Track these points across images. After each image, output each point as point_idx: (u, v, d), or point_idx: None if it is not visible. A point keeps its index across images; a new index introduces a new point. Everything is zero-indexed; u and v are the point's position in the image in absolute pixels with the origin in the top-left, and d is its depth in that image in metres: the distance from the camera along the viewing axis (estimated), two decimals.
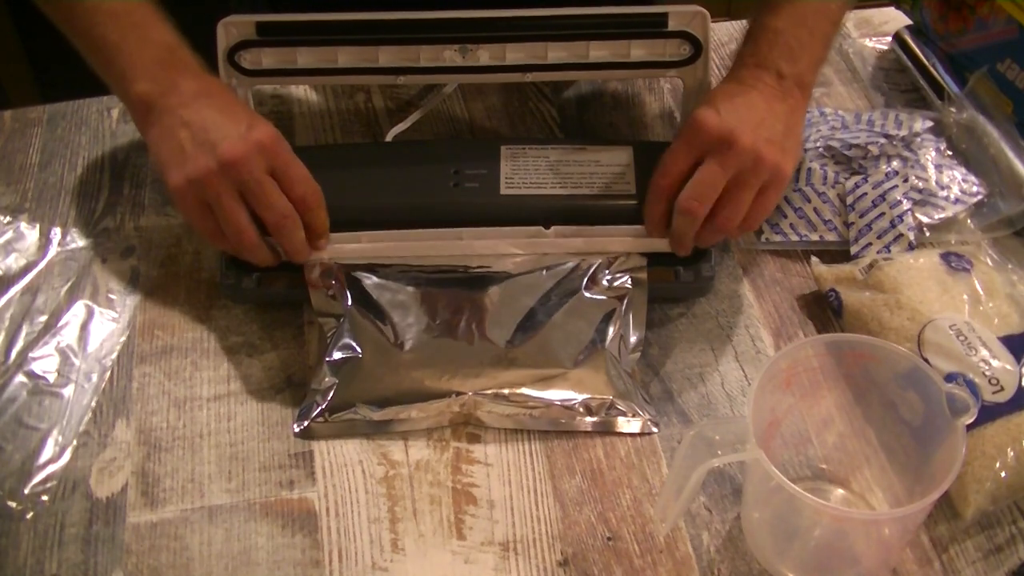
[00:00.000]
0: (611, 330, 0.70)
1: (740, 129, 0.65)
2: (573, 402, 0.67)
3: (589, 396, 0.68)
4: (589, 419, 0.67)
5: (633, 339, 0.71)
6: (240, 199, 0.66)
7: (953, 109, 0.83)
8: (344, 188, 0.73)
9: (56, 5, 0.69)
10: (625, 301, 0.71)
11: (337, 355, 0.69)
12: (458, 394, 0.67)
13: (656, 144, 0.79)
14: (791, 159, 0.68)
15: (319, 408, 0.67)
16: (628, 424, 0.68)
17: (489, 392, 0.67)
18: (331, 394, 0.68)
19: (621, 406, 0.68)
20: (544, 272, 0.72)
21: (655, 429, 0.68)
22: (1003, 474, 0.61)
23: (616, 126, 0.88)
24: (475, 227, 0.72)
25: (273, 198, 0.66)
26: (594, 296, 0.71)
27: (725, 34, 0.97)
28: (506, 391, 0.67)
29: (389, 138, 0.85)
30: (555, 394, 0.68)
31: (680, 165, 0.68)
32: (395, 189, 0.74)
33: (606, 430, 0.67)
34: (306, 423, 0.67)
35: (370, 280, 0.71)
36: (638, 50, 0.75)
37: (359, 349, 0.69)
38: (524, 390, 0.68)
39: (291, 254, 0.70)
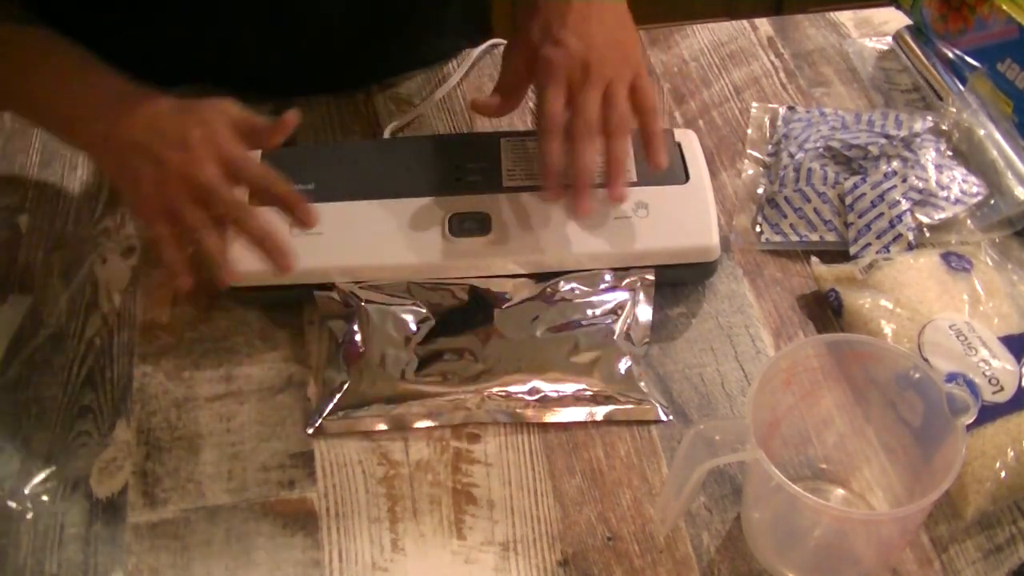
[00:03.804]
0: (620, 321, 0.70)
1: (587, 51, 0.69)
2: (585, 394, 0.68)
3: (601, 387, 0.68)
4: (601, 409, 0.68)
5: (642, 328, 0.71)
6: (198, 205, 0.65)
7: (953, 109, 0.83)
8: (345, 186, 0.74)
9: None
10: (633, 292, 0.71)
11: (348, 354, 0.69)
12: (470, 391, 0.67)
13: None
14: (634, 47, 0.74)
15: (331, 406, 0.68)
16: (641, 413, 0.68)
17: (502, 387, 0.68)
18: (343, 392, 0.68)
19: (633, 395, 0.68)
20: (555, 277, 0.72)
21: (669, 417, 0.68)
22: (1003, 474, 0.61)
23: None
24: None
25: (218, 192, 0.65)
26: (603, 297, 0.71)
27: (725, 34, 0.97)
28: (519, 386, 0.68)
29: (387, 134, 0.86)
30: (567, 387, 0.68)
31: (559, 104, 0.69)
32: (397, 185, 0.74)
33: (619, 420, 0.68)
34: (319, 421, 0.67)
35: (379, 293, 0.71)
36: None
37: (370, 347, 0.69)
38: (536, 383, 0.68)
39: (264, 247, 0.66)
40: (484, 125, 0.88)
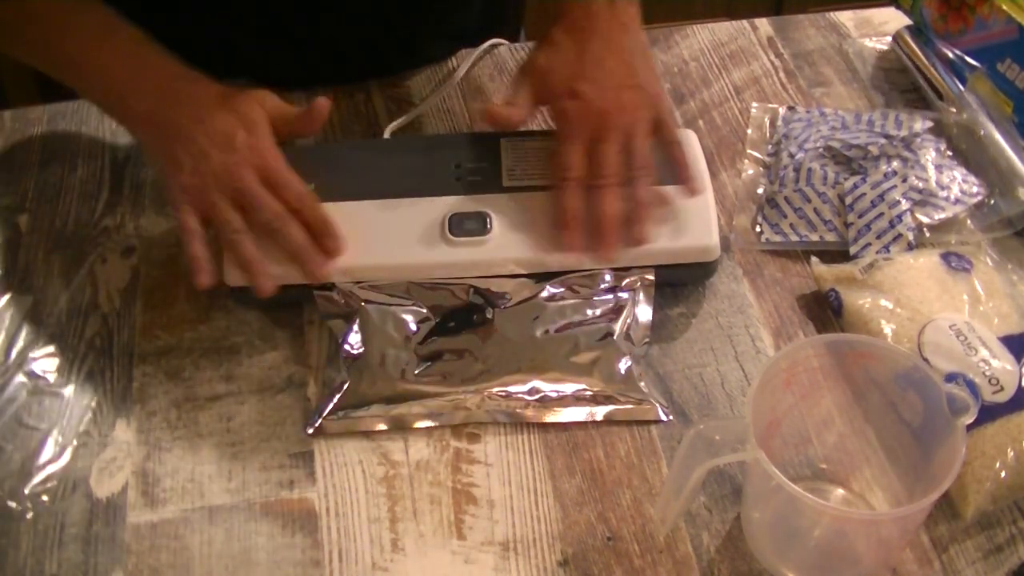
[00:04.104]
0: (620, 321, 0.70)
1: (604, 101, 0.70)
2: (585, 394, 0.68)
3: (601, 387, 0.68)
4: (601, 409, 0.68)
5: (642, 328, 0.71)
6: (235, 207, 0.68)
7: (953, 109, 0.83)
8: (345, 186, 0.74)
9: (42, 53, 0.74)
10: (633, 292, 0.71)
11: (348, 354, 0.69)
12: (470, 390, 0.67)
13: None
14: (653, 83, 0.73)
15: (331, 406, 0.68)
16: (641, 413, 0.68)
17: (502, 387, 0.68)
18: (343, 392, 0.68)
19: (633, 395, 0.68)
20: (556, 277, 0.72)
21: (669, 417, 0.68)
22: (1003, 474, 0.61)
23: None
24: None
25: (263, 199, 0.68)
26: (603, 297, 0.71)
27: (725, 34, 0.97)
28: (519, 386, 0.68)
29: (387, 134, 0.86)
30: (567, 387, 0.68)
31: (577, 158, 0.69)
32: (397, 185, 0.74)
33: (619, 420, 0.68)
34: (319, 421, 0.67)
35: (379, 294, 0.71)
36: None
37: (370, 347, 0.69)
38: (536, 383, 0.68)
39: (299, 257, 0.69)
40: (484, 125, 0.88)
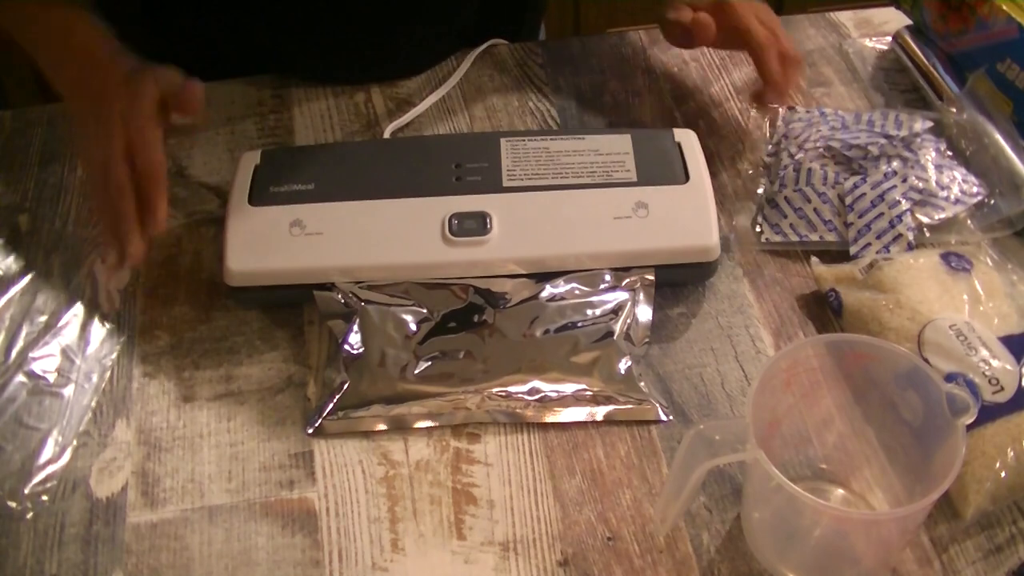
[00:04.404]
0: (620, 321, 0.70)
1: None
2: (585, 394, 0.68)
3: (601, 387, 0.68)
4: (601, 409, 0.68)
5: (642, 328, 0.71)
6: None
7: (953, 109, 0.83)
8: (345, 186, 0.74)
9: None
10: (633, 292, 0.71)
11: (348, 354, 0.69)
12: (470, 390, 0.67)
13: (654, 132, 0.80)
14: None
15: (331, 406, 0.68)
16: (641, 413, 0.68)
17: (502, 387, 0.68)
18: (343, 392, 0.68)
19: (633, 395, 0.68)
20: (556, 277, 0.72)
21: (669, 417, 0.68)
22: (1003, 474, 0.61)
23: (616, 126, 0.88)
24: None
25: (113, 171, 0.69)
26: (603, 297, 0.71)
27: None
28: (518, 386, 0.68)
29: (387, 134, 0.86)
30: (567, 387, 0.68)
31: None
32: (397, 185, 0.74)
33: (619, 420, 0.68)
34: (319, 421, 0.67)
35: (379, 294, 0.71)
36: None
37: (370, 347, 0.69)
38: (536, 383, 0.68)
39: (118, 230, 0.69)
40: (484, 125, 0.88)
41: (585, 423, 0.68)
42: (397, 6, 0.89)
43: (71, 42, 0.74)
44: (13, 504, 0.64)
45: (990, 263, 0.72)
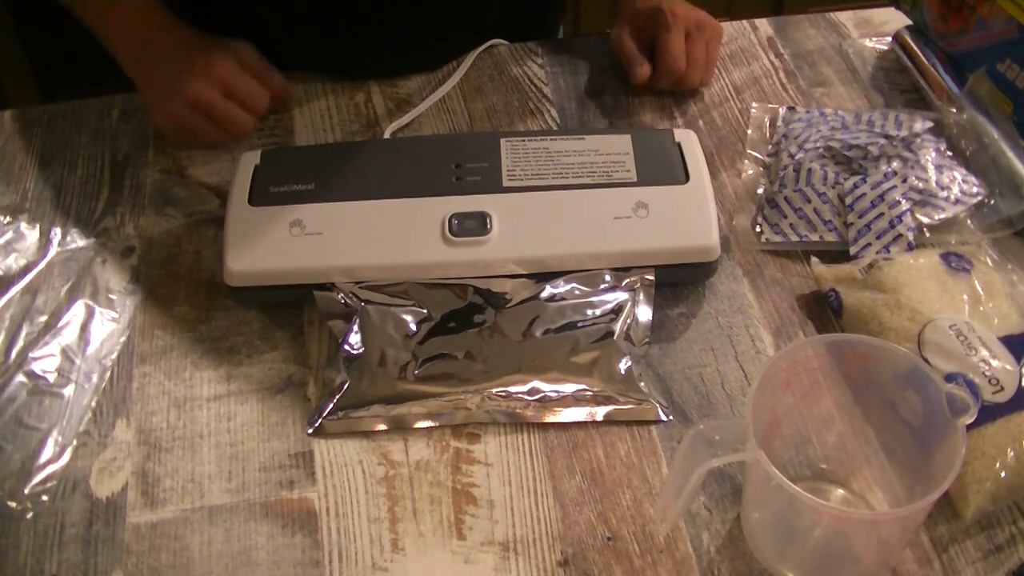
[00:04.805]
0: (620, 321, 0.70)
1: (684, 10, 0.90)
2: (585, 394, 0.68)
3: (601, 388, 0.68)
4: (601, 409, 0.68)
5: (642, 328, 0.71)
6: (208, 120, 0.83)
7: (953, 109, 0.83)
8: (345, 186, 0.74)
9: None
10: (633, 292, 0.71)
11: (348, 354, 0.69)
12: (470, 390, 0.67)
13: (653, 132, 0.80)
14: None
15: (331, 406, 0.68)
16: (641, 413, 0.68)
17: (502, 388, 0.68)
18: (343, 392, 0.68)
19: (633, 395, 0.68)
20: (556, 277, 0.72)
21: (669, 417, 0.68)
22: (1003, 474, 0.61)
23: (616, 126, 0.88)
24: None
25: (222, 107, 0.83)
26: (603, 297, 0.71)
27: (725, 34, 0.97)
28: (519, 387, 0.68)
29: (387, 134, 0.86)
30: (567, 387, 0.68)
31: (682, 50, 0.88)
32: (397, 185, 0.74)
33: (619, 420, 0.68)
34: (319, 421, 0.67)
35: (379, 294, 0.71)
36: None
37: (370, 347, 0.69)
38: (536, 384, 0.68)
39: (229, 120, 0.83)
40: (484, 125, 0.88)
41: (585, 423, 0.68)
42: (427, 5, 0.90)
43: (132, 18, 0.85)
44: (13, 504, 0.64)
45: (990, 263, 0.72)
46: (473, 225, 0.71)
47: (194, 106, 0.81)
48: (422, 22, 0.91)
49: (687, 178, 0.74)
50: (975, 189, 0.78)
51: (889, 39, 0.94)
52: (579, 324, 0.70)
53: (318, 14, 0.89)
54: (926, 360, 0.64)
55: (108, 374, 0.71)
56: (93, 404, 0.69)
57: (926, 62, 0.89)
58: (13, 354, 0.72)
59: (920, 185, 0.77)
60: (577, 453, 0.67)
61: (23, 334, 0.73)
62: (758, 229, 0.79)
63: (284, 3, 0.89)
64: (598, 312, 0.71)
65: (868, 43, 0.95)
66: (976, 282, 0.69)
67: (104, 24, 0.85)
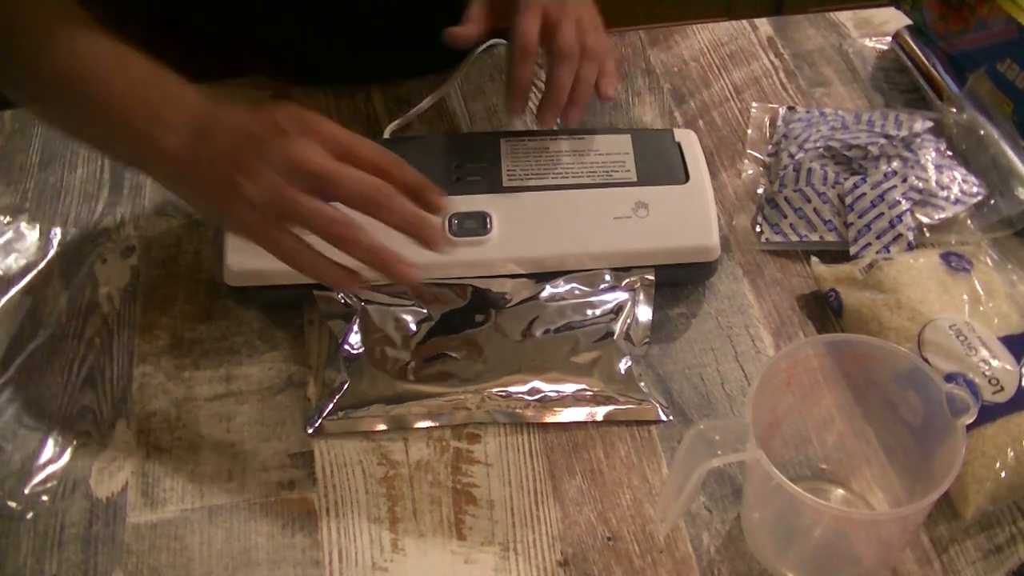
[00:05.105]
0: (620, 321, 0.70)
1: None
2: (585, 394, 0.68)
3: (601, 388, 0.68)
4: (601, 409, 0.68)
5: (642, 328, 0.71)
6: (319, 197, 0.58)
7: (953, 109, 0.83)
8: None
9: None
10: (633, 292, 0.71)
11: (348, 354, 0.69)
12: (470, 390, 0.67)
13: (653, 132, 0.80)
14: None
15: (331, 406, 0.68)
16: (641, 413, 0.68)
17: (502, 388, 0.68)
18: (343, 392, 0.68)
19: (633, 395, 0.68)
20: (556, 277, 0.72)
21: (669, 417, 0.68)
22: (1003, 474, 0.61)
23: (616, 127, 0.88)
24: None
25: (347, 174, 0.57)
26: (603, 297, 0.71)
27: (725, 34, 0.97)
28: (519, 387, 0.68)
29: (387, 134, 0.86)
30: (567, 387, 0.68)
31: (536, 29, 0.72)
32: None
33: (619, 420, 0.68)
34: (319, 421, 0.67)
35: (378, 294, 0.71)
36: None
37: (370, 348, 0.69)
38: (536, 384, 0.68)
39: (413, 228, 0.59)
40: (484, 125, 0.88)
41: (585, 423, 0.68)
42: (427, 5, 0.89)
43: (168, 98, 0.60)
44: (13, 504, 0.64)
45: (990, 263, 0.72)
46: (473, 225, 0.71)
47: (301, 181, 0.57)
48: (422, 22, 0.91)
49: (687, 178, 0.74)
50: (975, 189, 0.78)
51: (889, 39, 0.94)
52: (579, 324, 0.70)
53: (318, 14, 0.89)
54: (926, 360, 0.64)
55: (108, 374, 0.71)
56: (93, 404, 0.69)
57: (926, 62, 0.89)
58: (13, 354, 0.72)
59: (920, 185, 0.77)
60: (577, 453, 0.67)
61: (23, 334, 0.73)
62: (758, 229, 0.79)
63: (284, 3, 0.89)
64: (598, 312, 0.71)
65: (868, 43, 0.95)
66: (976, 282, 0.69)
67: (114, 107, 0.61)
